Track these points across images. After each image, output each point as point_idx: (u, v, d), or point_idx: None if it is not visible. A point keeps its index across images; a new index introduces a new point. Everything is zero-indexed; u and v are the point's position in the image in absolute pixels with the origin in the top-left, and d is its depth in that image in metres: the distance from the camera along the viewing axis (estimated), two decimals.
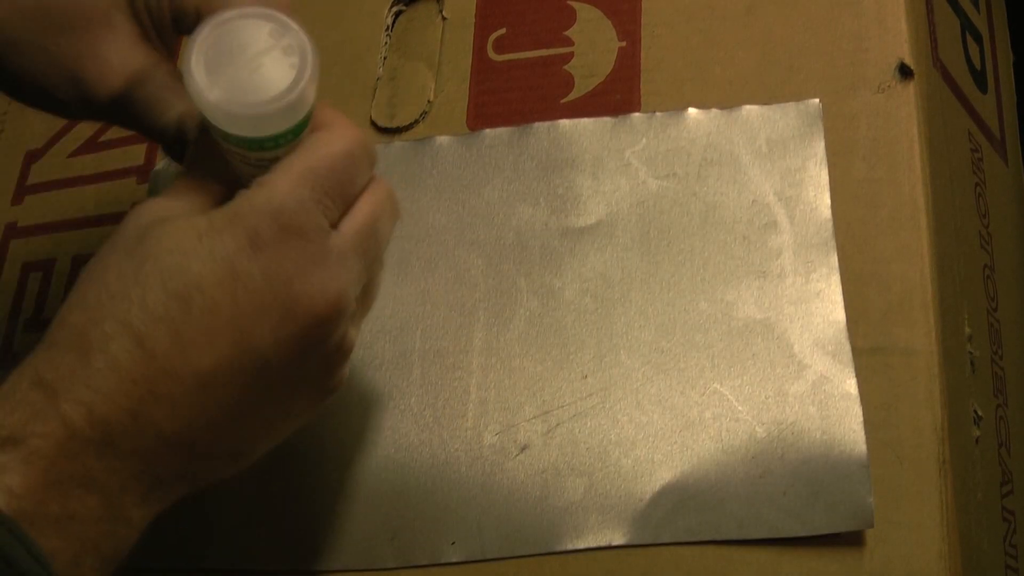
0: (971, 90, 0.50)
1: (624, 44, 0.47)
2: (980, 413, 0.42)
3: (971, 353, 0.43)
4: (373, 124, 0.49)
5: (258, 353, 0.31)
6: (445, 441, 0.42)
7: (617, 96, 0.46)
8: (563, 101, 0.47)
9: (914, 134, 0.42)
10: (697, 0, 0.47)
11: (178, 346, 0.30)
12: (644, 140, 0.45)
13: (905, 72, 0.42)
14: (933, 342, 0.39)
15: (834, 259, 0.41)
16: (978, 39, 0.53)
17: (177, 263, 0.31)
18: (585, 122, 0.46)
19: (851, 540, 0.37)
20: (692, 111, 0.45)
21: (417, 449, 0.42)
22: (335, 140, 0.33)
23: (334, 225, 0.33)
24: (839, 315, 0.40)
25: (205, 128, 0.34)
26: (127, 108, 0.37)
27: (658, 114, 0.45)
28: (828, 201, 0.42)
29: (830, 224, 0.41)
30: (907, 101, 0.42)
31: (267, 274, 0.31)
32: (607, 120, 0.46)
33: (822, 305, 0.40)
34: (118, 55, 0.37)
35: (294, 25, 0.32)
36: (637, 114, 0.45)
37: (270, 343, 0.31)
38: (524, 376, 0.42)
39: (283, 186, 0.32)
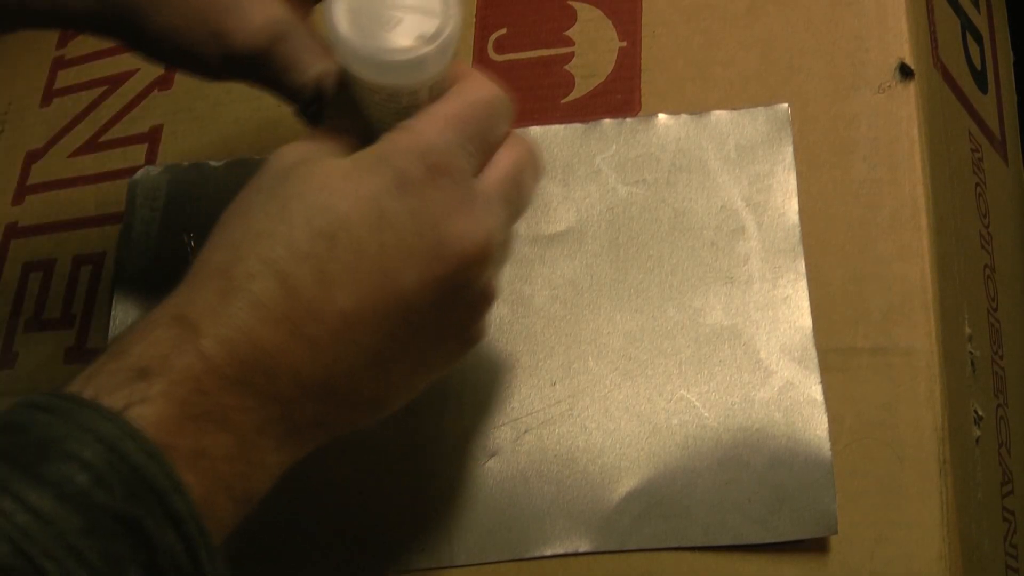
0: (971, 90, 0.50)
1: (624, 44, 0.47)
2: (980, 413, 0.42)
3: (971, 353, 0.43)
4: None
5: (403, 295, 0.31)
6: (416, 448, 0.42)
7: (617, 96, 0.46)
8: (563, 101, 0.47)
9: (914, 134, 0.42)
10: (697, 0, 0.47)
11: (323, 286, 0.30)
12: (614, 146, 0.45)
13: (905, 72, 0.42)
14: (933, 342, 0.39)
15: (801, 265, 0.41)
16: (978, 39, 0.53)
17: (323, 201, 0.30)
18: (556, 128, 0.46)
19: (815, 546, 0.37)
20: (662, 117, 0.45)
21: (388, 456, 0.42)
22: (477, 88, 0.33)
23: (476, 173, 0.33)
24: (806, 321, 0.40)
25: (345, 84, 0.34)
26: (265, 66, 0.37)
27: (628, 120, 0.45)
28: (796, 207, 0.42)
29: (798, 229, 0.42)
30: (907, 101, 0.42)
31: (414, 214, 0.31)
32: (578, 127, 0.46)
33: (789, 311, 0.41)
34: (261, 12, 0.36)
35: None
36: (608, 120, 0.46)
37: (415, 285, 0.31)
38: (494, 383, 0.43)
39: (430, 129, 0.31)
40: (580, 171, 0.45)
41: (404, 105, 0.33)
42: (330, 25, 0.31)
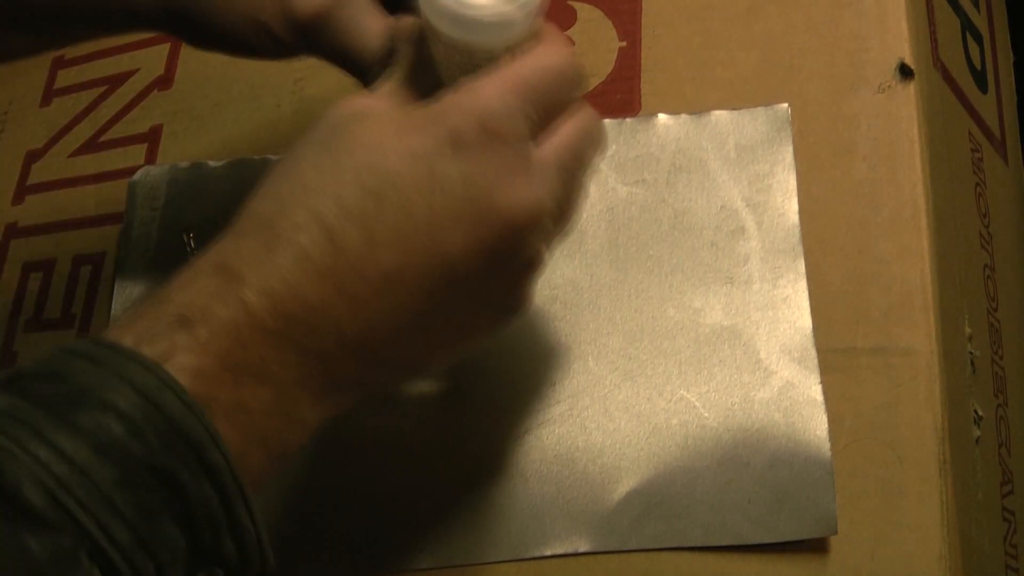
0: (971, 90, 0.50)
1: (624, 44, 0.47)
2: (980, 413, 0.42)
3: (971, 353, 0.43)
4: None
5: (448, 259, 0.30)
6: (415, 448, 0.42)
7: (617, 96, 0.46)
8: None
9: (914, 134, 0.42)
10: (697, 0, 0.47)
11: (368, 244, 0.30)
12: (614, 146, 0.45)
13: (905, 72, 0.42)
14: (933, 342, 0.39)
15: (801, 265, 0.41)
16: (978, 39, 0.53)
17: (374, 159, 0.30)
18: None
19: (815, 546, 0.37)
20: (662, 117, 0.45)
21: (388, 456, 0.42)
22: (549, 54, 0.32)
23: (536, 139, 0.32)
24: (806, 321, 0.40)
25: (419, 42, 0.34)
26: (327, 30, 0.37)
27: (628, 120, 0.45)
28: (796, 207, 0.42)
29: (797, 230, 0.42)
30: (907, 101, 0.42)
31: (466, 177, 0.30)
32: None
33: (789, 311, 0.41)
34: None
35: None
36: (607, 120, 0.45)
37: (461, 250, 0.30)
38: (493, 383, 0.42)
39: (491, 91, 0.31)
40: None
41: (480, 66, 0.32)
42: None
